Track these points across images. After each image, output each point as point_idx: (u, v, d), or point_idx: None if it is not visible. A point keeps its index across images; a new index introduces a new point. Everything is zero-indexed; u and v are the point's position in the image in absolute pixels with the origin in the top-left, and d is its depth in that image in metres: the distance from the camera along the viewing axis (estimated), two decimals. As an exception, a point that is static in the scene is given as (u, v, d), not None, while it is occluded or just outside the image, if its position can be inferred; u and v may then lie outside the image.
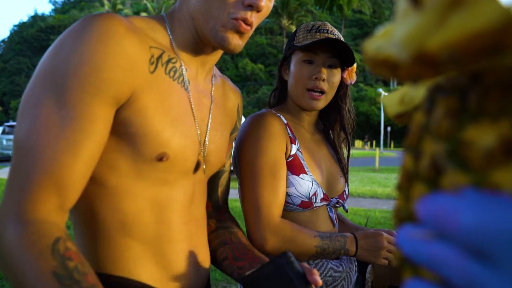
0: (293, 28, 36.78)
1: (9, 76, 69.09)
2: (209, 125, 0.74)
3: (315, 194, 0.94)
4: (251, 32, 0.67)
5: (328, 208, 1.00)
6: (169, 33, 0.68)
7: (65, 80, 0.53)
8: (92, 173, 0.58)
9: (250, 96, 45.51)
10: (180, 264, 0.69)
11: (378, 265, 1.04)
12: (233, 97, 0.86)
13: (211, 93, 0.77)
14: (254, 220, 0.89)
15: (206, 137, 0.73)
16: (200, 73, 0.73)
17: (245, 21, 0.64)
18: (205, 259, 0.76)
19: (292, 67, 0.99)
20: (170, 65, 0.66)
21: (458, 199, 0.16)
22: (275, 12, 39.49)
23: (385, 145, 43.24)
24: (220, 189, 0.88)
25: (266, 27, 55.17)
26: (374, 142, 42.59)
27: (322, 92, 0.96)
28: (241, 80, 51.84)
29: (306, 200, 0.93)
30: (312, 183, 0.94)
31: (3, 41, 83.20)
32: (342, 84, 1.05)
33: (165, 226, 0.67)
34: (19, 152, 0.53)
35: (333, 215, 1.01)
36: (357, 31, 67.68)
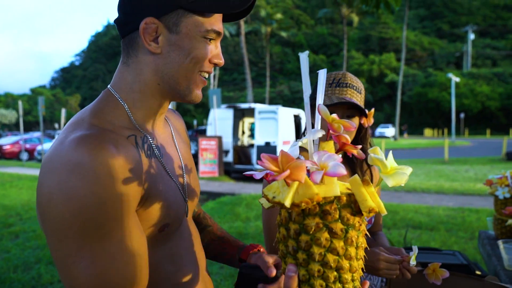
0: (354, 16, 35.37)
1: (88, 82, 75.33)
2: (183, 166, 0.81)
3: None
4: None
5: None
6: (127, 111, 0.71)
7: (98, 218, 0.57)
8: None
9: (312, 87, 44.61)
10: None
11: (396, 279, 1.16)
12: (179, 122, 0.94)
13: (172, 136, 0.84)
14: None
15: (184, 180, 0.80)
16: (159, 128, 0.79)
17: (209, 74, 0.75)
18: (210, 282, 0.89)
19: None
20: (146, 146, 0.70)
21: None
22: (334, 2, 38.39)
23: (458, 133, 40.30)
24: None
25: (326, 17, 53.80)
26: (445, 130, 39.89)
27: None
28: (301, 73, 50.91)
29: None
30: None
31: (83, 51, 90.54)
32: (361, 127, 1.25)
33: (180, 272, 0.77)
34: None
35: None
36: (424, 12, 63.59)
